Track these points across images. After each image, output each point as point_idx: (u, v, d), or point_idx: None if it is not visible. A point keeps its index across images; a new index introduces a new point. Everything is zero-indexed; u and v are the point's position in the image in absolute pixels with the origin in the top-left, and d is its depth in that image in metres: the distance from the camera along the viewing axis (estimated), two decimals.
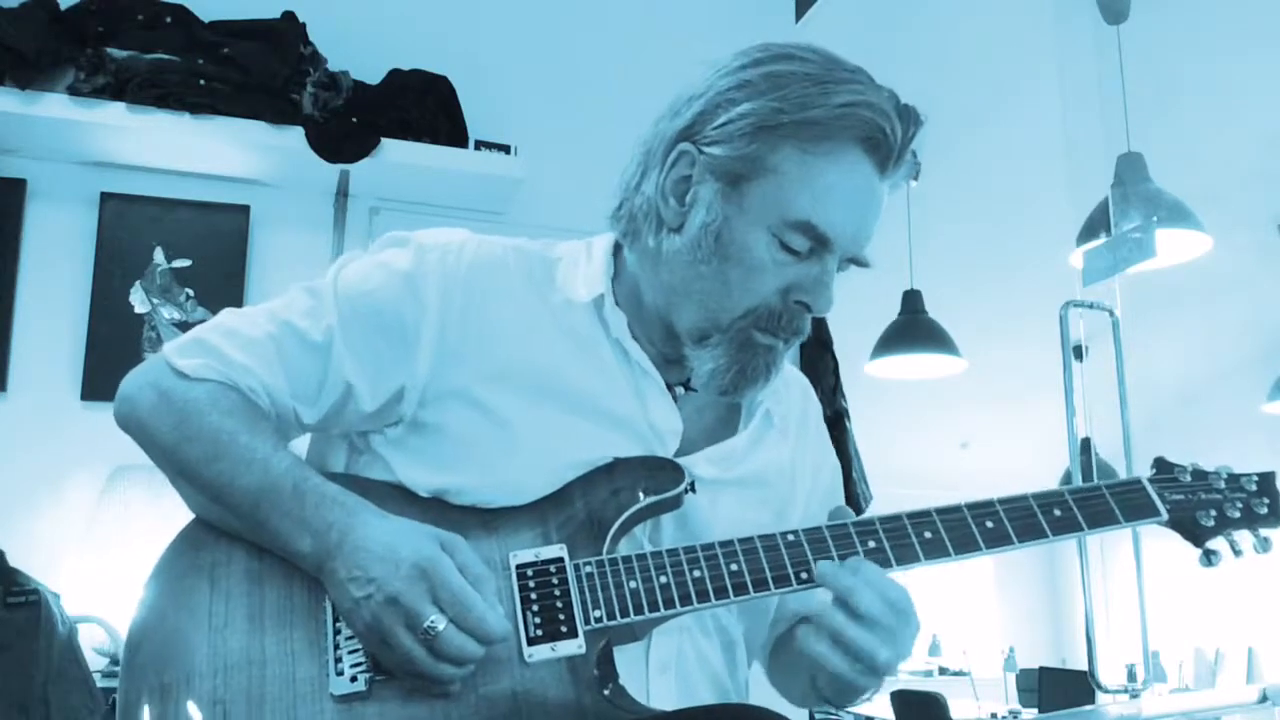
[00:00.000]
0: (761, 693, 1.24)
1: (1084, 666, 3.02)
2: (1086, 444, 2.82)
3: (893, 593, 0.96)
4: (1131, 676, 3.23)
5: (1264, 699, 2.41)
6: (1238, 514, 1.10)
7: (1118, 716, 2.65)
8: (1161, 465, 1.13)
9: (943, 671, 8.15)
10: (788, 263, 1.01)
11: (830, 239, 1.01)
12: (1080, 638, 5.88)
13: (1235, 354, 6.73)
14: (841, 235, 1.01)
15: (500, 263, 1.10)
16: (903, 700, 5.78)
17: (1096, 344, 3.18)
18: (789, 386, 1.22)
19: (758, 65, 1.02)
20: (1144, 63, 3.18)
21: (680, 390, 1.12)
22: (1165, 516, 1.08)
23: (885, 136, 0.99)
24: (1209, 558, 1.09)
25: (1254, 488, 1.12)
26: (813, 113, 0.98)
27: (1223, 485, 1.12)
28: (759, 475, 1.13)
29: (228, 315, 1.08)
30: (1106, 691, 2.87)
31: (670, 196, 1.05)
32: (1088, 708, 3.23)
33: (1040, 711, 5.72)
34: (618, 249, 1.14)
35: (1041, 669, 6.32)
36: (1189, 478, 1.11)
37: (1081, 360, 3.06)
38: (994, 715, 5.85)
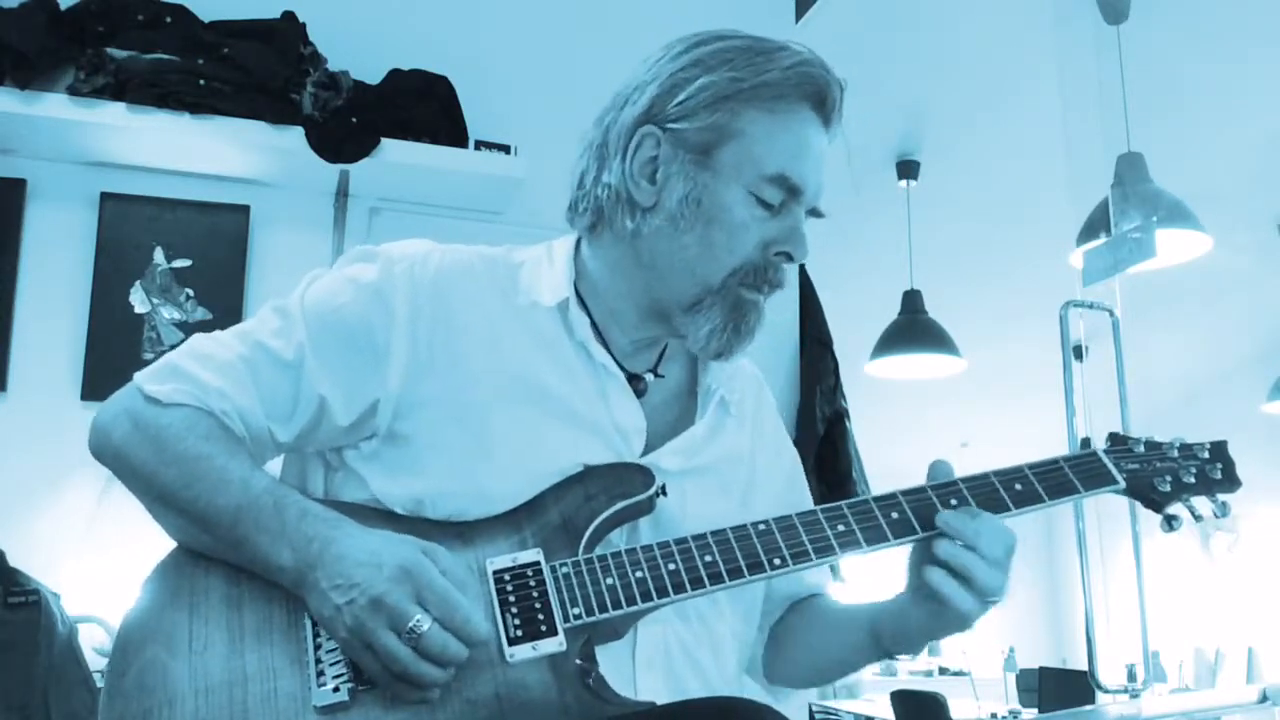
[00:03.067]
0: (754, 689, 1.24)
1: (1084, 666, 3.02)
2: (1086, 444, 2.81)
3: (1009, 538, 1.04)
4: (1131, 676, 3.24)
5: (1264, 699, 2.41)
6: (1193, 479, 1.14)
7: (1118, 716, 2.65)
8: (1115, 438, 1.17)
9: (943, 671, 8.16)
10: (764, 218, 1.07)
11: (802, 188, 1.08)
12: (1080, 638, 5.88)
13: (1235, 354, 6.73)
14: (809, 184, 1.08)
15: (467, 269, 1.12)
16: (903, 700, 5.79)
17: (1096, 344, 3.18)
18: (742, 374, 1.25)
19: (701, 45, 1.10)
20: (1144, 63, 3.18)
21: (650, 377, 1.15)
22: (1122, 484, 1.12)
23: (829, 92, 1.08)
24: (1169, 523, 1.14)
25: (1206, 455, 1.16)
26: (766, 76, 1.06)
27: (1175, 454, 1.15)
28: (719, 462, 1.17)
29: (199, 339, 1.09)
30: (1106, 691, 2.87)
31: (639, 178, 1.09)
32: (1088, 708, 3.23)
33: (1040, 711, 5.72)
34: (577, 250, 1.17)
35: (1041, 669, 6.32)
36: (1142, 448, 1.15)
37: (1081, 360, 3.06)
38: (994, 715, 5.85)
